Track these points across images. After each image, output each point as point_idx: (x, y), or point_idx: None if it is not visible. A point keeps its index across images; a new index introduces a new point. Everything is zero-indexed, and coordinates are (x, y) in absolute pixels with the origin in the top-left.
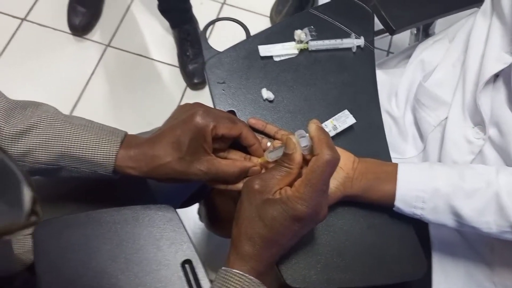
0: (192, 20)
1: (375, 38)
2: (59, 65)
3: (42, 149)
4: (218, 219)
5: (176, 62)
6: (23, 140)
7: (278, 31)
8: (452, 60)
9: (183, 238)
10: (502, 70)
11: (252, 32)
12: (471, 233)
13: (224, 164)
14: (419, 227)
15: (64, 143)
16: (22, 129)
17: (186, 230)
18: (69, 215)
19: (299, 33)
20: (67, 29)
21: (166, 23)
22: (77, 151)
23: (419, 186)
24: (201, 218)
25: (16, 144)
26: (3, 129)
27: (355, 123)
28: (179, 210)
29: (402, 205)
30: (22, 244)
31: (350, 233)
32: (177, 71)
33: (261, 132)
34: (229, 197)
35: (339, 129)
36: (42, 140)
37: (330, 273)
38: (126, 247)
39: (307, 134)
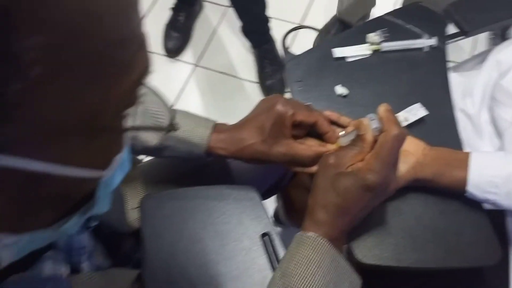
0: (270, 40)
1: (451, 41)
2: (155, 82)
3: None
4: (293, 210)
5: (256, 79)
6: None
7: (351, 36)
8: None
9: (262, 214)
10: None
11: None
12: None
13: (301, 148)
14: (495, 223)
15: None
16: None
17: (264, 208)
18: (169, 190)
19: (372, 35)
20: (162, 52)
21: (248, 44)
22: (179, 133)
23: (492, 171)
24: (277, 220)
25: None
26: None
27: (427, 116)
28: None
29: (475, 190)
30: (130, 215)
31: (421, 218)
32: (257, 87)
33: (335, 123)
34: (303, 189)
35: (410, 121)
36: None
37: (401, 252)
38: (214, 218)
39: (377, 117)
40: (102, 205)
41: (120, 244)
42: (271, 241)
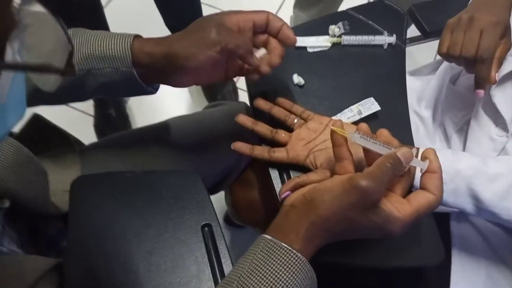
0: None
1: (413, 44)
2: None
3: None
4: (239, 207)
5: None
6: None
7: (314, 26)
8: None
9: (205, 204)
10: None
11: None
12: (493, 235)
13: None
14: (440, 225)
15: (85, 46)
16: None
17: (208, 197)
18: (105, 172)
19: (333, 28)
20: None
21: None
22: (97, 50)
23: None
24: (228, 222)
25: None
26: None
27: (381, 111)
28: None
29: None
30: (62, 197)
31: None
32: None
33: (289, 111)
34: (249, 187)
35: (364, 114)
36: None
37: (349, 250)
38: (152, 206)
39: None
40: None
41: (45, 227)
42: (212, 232)
